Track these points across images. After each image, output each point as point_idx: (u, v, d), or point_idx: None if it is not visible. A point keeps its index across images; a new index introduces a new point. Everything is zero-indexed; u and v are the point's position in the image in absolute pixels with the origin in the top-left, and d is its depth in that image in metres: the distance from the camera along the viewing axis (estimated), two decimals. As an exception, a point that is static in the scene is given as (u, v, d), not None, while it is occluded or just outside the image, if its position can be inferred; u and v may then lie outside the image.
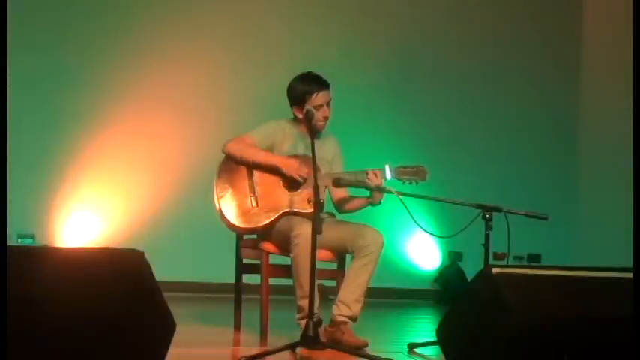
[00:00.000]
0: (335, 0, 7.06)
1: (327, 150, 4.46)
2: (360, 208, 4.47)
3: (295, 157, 4.43)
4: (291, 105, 4.44)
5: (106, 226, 6.55)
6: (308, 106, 4.33)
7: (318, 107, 4.37)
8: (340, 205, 4.55)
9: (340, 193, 4.50)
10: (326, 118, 4.39)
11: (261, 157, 4.38)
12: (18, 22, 5.97)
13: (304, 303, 4.09)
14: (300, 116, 4.37)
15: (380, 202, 4.34)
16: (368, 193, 4.38)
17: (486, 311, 3.12)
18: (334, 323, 4.25)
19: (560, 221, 6.71)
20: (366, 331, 4.35)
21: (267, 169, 4.36)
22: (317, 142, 4.10)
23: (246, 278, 4.68)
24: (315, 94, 4.37)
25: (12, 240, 6.11)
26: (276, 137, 4.46)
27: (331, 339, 4.20)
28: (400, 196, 4.14)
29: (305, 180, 4.31)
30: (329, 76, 4.50)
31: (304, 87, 4.38)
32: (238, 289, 4.67)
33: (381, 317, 5.86)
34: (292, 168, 4.33)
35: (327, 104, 4.40)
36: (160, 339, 2.92)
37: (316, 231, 3.82)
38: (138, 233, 6.39)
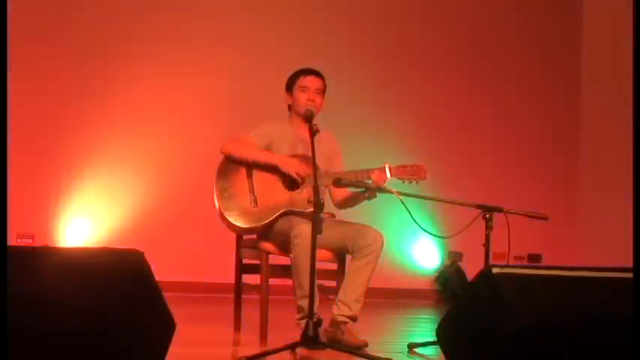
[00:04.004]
0: (333, 1, 7.06)
1: (325, 146, 4.45)
2: (358, 203, 4.47)
3: (295, 156, 4.43)
4: (286, 93, 4.54)
5: (105, 226, 6.55)
6: (298, 92, 4.43)
7: (303, 89, 4.44)
8: (339, 203, 4.55)
9: (340, 191, 4.50)
10: (310, 101, 4.40)
11: (260, 156, 4.39)
12: (18, 24, 5.97)
13: (304, 303, 4.09)
14: (289, 102, 4.50)
15: (375, 196, 4.35)
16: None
17: (486, 311, 3.12)
18: (334, 323, 4.25)
19: (560, 221, 6.71)
20: (366, 331, 4.35)
21: (266, 167, 4.37)
22: (315, 140, 4.08)
23: (246, 278, 4.68)
24: (302, 77, 4.47)
25: (12, 240, 6.11)
26: (274, 137, 4.47)
27: (331, 339, 4.20)
28: (400, 196, 4.14)
29: (303, 179, 4.32)
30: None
31: (296, 73, 4.52)
32: (238, 289, 4.67)
33: (381, 317, 5.86)
34: (291, 165, 4.34)
35: (317, 92, 4.44)
36: (159, 339, 2.92)
37: (316, 231, 3.82)
38: (138, 233, 6.39)
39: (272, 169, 4.36)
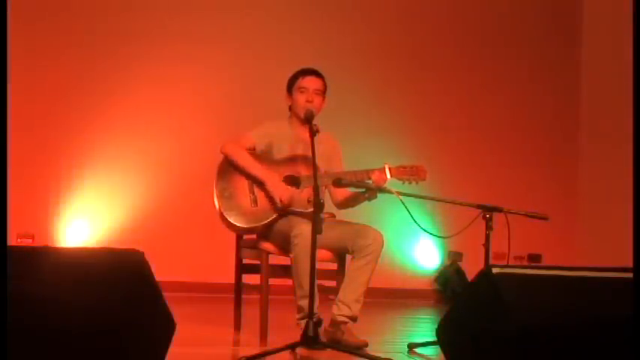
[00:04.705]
0: (333, 1, 7.06)
1: (325, 147, 4.45)
2: (359, 203, 4.47)
3: (295, 157, 4.43)
4: (286, 93, 4.53)
5: (105, 226, 6.55)
6: (297, 93, 4.42)
7: (302, 90, 4.43)
8: (340, 203, 4.55)
9: (340, 191, 4.50)
10: (308, 102, 4.40)
11: (253, 169, 4.37)
12: (17, 25, 5.97)
13: (304, 303, 4.09)
14: (289, 103, 4.49)
15: (376, 197, 4.35)
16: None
17: (486, 311, 3.12)
18: (334, 323, 4.25)
19: (560, 221, 6.71)
20: (366, 331, 4.35)
21: (255, 180, 4.36)
22: (315, 140, 4.07)
23: (246, 278, 4.68)
24: (301, 78, 4.46)
25: (12, 240, 6.11)
26: (274, 137, 4.47)
27: (331, 339, 4.20)
28: (400, 197, 4.14)
29: (285, 206, 4.30)
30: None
31: (295, 74, 4.50)
32: (238, 289, 4.67)
33: (381, 317, 5.86)
34: (277, 189, 4.32)
35: (316, 92, 4.43)
36: (160, 339, 2.92)
37: (316, 231, 3.81)
38: (138, 233, 6.39)
39: (259, 183, 4.35)
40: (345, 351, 4.03)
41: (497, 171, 7.17)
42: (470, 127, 7.19)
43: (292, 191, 4.31)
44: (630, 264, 3.59)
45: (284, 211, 4.31)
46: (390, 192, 4.20)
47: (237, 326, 4.67)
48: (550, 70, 7.36)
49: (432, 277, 7.05)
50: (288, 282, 4.27)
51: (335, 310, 4.26)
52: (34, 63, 6.50)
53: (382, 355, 3.79)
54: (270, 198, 4.33)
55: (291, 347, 3.82)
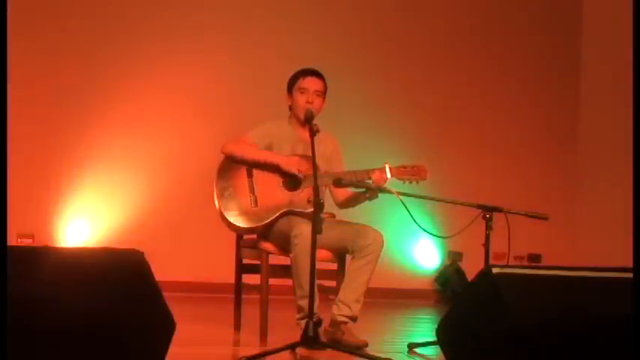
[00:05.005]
0: (333, 1, 7.06)
1: (325, 147, 4.45)
2: (360, 203, 4.48)
3: (295, 157, 4.43)
4: (287, 93, 4.53)
5: (105, 226, 6.55)
6: (297, 94, 4.42)
7: (302, 90, 4.43)
8: (341, 203, 4.55)
9: (341, 191, 4.50)
10: (308, 103, 4.40)
11: (261, 156, 4.38)
12: (18, 23, 5.98)
13: (304, 303, 4.09)
14: (290, 103, 4.49)
15: (376, 197, 4.35)
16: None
17: (486, 311, 3.12)
18: (334, 323, 4.25)
19: (560, 221, 6.71)
20: (366, 331, 4.35)
21: (267, 167, 4.37)
22: (315, 140, 4.08)
23: (246, 278, 4.68)
24: (302, 78, 4.46)
25: (12, 240, 6.11)
26: (274, 137, 4.47)
27: (331, 339, 4.20)
28: (400, 197, 4.13)
29: (305, 176, 4.32)
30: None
31: (296, 74, 4.49)
32: (238, 289, 4.67)
33: (381, 317, 5.86)
34: (292, 164, 4.34)
35: (316, 94, 4.43)
36: (160, 339, 2.92)
37: (316, 231, 3.81)
38: (138, 233, 6.39)
39: (273, 168, 4.36)
40: (345, 351, 4.03)
41: (497, 171, 7.17)
42: (470, 127, 7.19)
43: (305, 163, 4.31)
44: (630, 264, 3.59)
45: (305, 178, 4.31)
46: (390, 192, 4.20)
47: (237, 326, 4.67)
48: (550, 70, 7.36)
49: (432, 277, 7.04)
50: (288, 282, 4.27)
51: (335, 310, 4.26)
52: (34, 62, 6.49)
53: (382, 355, 3.80)
54: (291, 176, 4.32)
55: (291, 347, 3.82)
